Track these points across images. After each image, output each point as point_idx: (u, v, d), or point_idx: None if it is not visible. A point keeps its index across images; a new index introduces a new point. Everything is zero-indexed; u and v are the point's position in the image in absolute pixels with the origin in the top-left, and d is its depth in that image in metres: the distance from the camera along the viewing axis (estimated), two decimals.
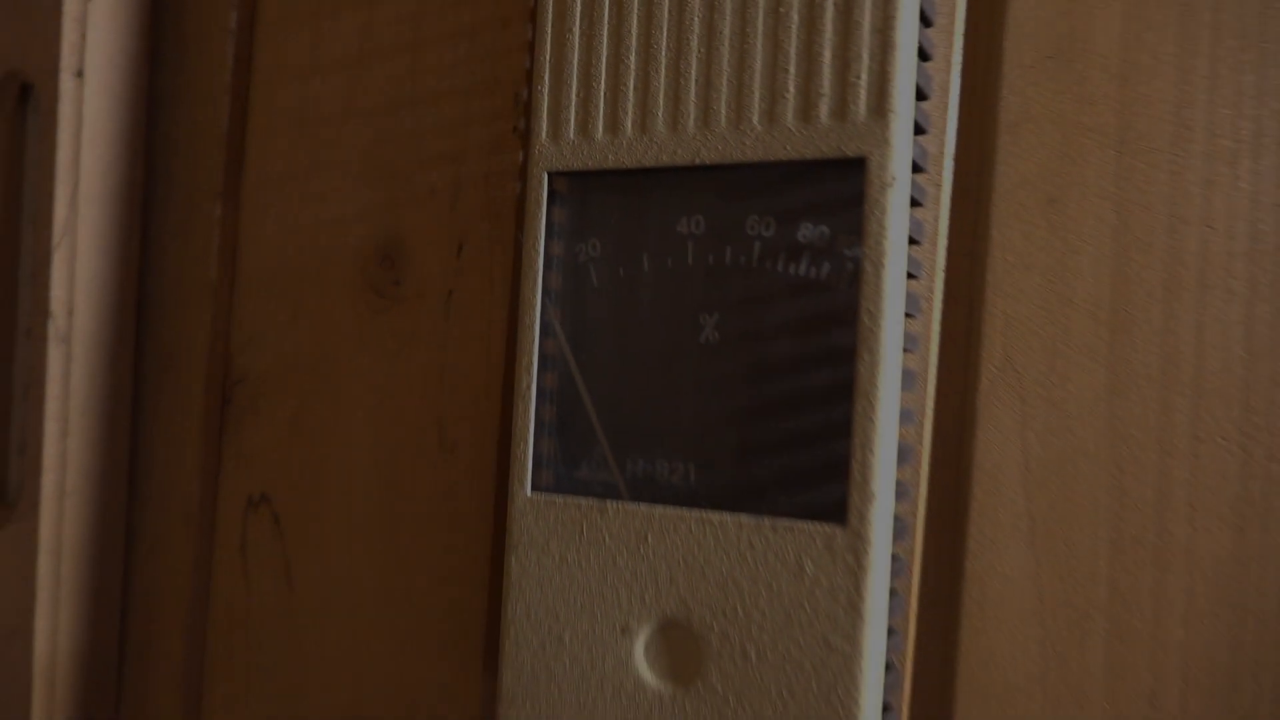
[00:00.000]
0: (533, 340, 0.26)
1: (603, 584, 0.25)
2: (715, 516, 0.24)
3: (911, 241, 0.24)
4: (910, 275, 0.24)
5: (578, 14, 0.26)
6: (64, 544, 0.35)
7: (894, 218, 0.22)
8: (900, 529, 0.24)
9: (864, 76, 0.22)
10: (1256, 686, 0.22)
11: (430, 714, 0.31)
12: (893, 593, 0.24)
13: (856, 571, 0.22)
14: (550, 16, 0.26)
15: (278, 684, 0.34)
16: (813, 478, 0.23)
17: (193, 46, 0.37)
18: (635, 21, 0.25)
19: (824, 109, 0.23)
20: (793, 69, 0.23)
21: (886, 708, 0.24)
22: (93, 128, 0.35)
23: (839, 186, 0.23)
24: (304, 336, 0.34)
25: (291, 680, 0.34)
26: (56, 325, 0.35)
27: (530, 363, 0.26)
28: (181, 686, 0.36)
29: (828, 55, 0.23)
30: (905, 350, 0.24)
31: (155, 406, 0.37)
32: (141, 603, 0.37)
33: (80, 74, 0.35)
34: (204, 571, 0.36)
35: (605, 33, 0.25)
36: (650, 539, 0.24)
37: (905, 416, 0.24)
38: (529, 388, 0.26)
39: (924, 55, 0.24)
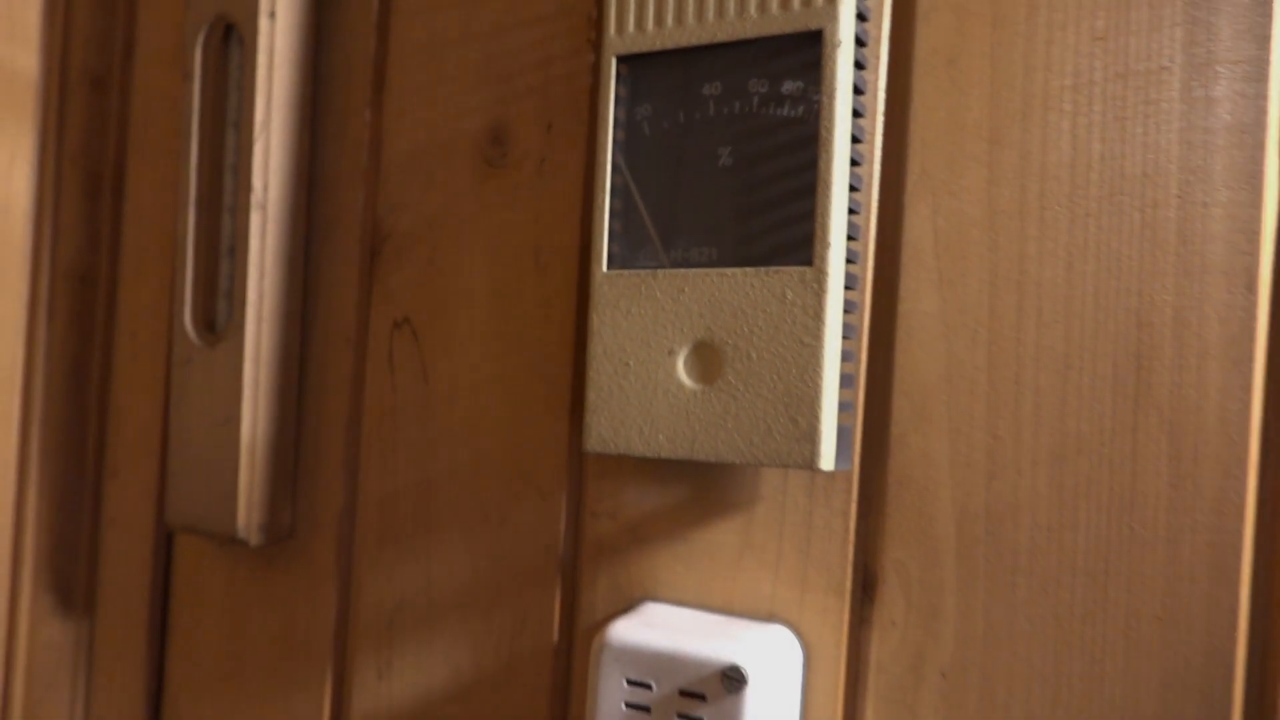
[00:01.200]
0: (605, 173, 0.39)
1: (655, 323, 0.37)
2: (728, 271, 0.36)
3: (857, 91, 0.36)
4: (856, 113, 0.36)
5: None
6: (261, 359, 0.48)
7: (841, 68, 0.34)
8: (853, 280, 0.36)
9: None
10: (1083, 366, 0.34)
11: (531, 459, 0.44)
12: (848, 324, 0.36)
13: (819, 293, 0.34)
14: None
15: (415, 452, 0.47)
16: (792, 240, 0.35)
17: None
18: None
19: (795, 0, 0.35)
20: None
21: (844, 407, 0.36)
22: (281, 55, 0.48)
23: (808, 53, 0.35)
24: (435, 200, 0.47)
25: (427, 451, 0.46)
26: (255, 197, 0.48)
27: (604, 185, 0.39)
28: (344, 462, 0.49)
29: None
30: (854, 164, 0.36)
31: (322, 258, 0.50)
32: (314, 400, 0.50)
33: (273, 15, 0.48)
34: (360, 378, 0.49)
35: None
36: (686, 290, 0.37)
37: (855, 205, 0.36)
38: (603, 204, 0.39)
39: None
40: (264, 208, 0.48)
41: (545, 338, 0.44)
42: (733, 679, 0.35)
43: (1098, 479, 0.33)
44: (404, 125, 0.48)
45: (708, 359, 0.37)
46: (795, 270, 0.35)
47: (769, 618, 0.39)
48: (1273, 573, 0.31)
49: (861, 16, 0.36)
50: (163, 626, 0.55)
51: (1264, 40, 0.32)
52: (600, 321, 0.39)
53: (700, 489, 0.40)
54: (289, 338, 0.49)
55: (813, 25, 0.35)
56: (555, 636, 0.43)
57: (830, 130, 0.34)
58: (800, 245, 0.35)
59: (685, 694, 0.36)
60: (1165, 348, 0.33)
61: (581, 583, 0.42)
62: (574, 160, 0.44)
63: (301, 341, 0.50)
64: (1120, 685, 0.33)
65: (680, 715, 0.36)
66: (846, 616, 0.37)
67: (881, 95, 0.37)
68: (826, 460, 0.34)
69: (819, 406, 0.34)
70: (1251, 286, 0.32)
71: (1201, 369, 0.32)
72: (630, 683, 0.37)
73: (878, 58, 0.37)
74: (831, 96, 0.34)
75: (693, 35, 0.37)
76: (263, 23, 0.48)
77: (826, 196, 0.34)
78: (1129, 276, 0.33)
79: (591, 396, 0.38)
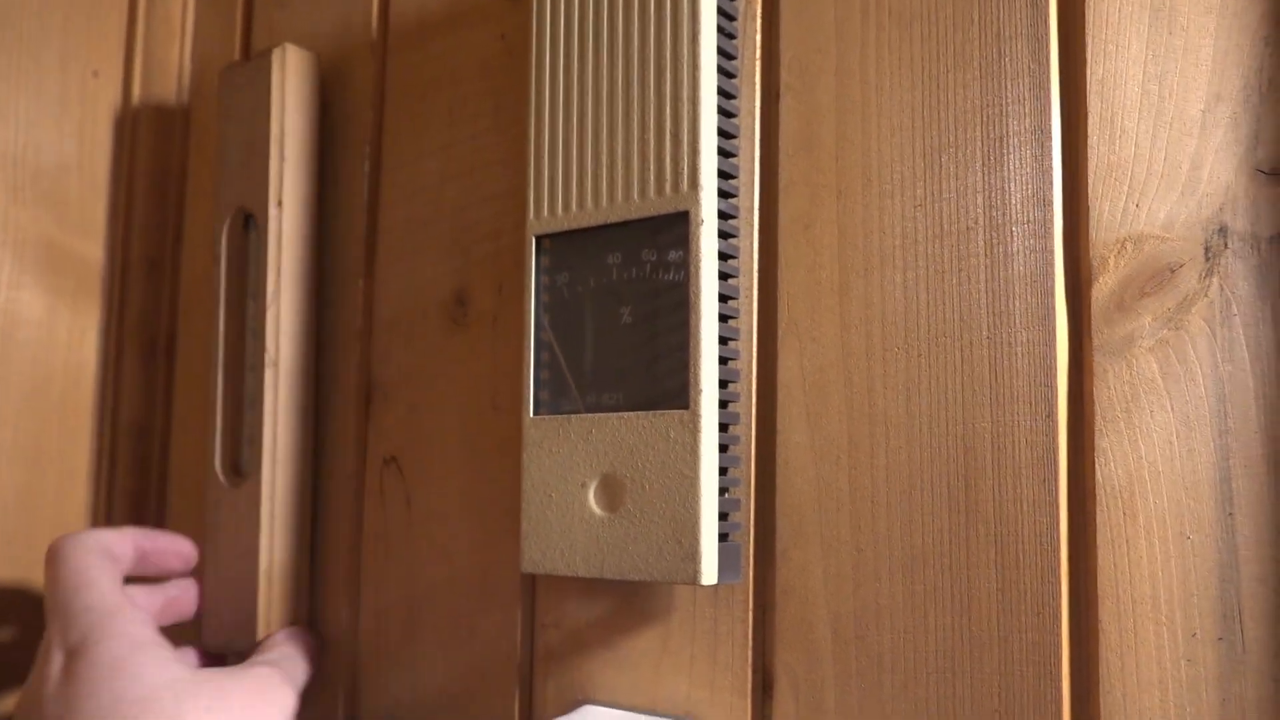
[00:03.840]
0: (531, 334, 0.46)
1: (571, 460, 0.44)
2: (627, 415, 0.42)
3: (727, 257, 0.43)
4: (728, 275, 0.43)
5: (545, 158, 0.46)
6: (276, 498, 0.56)
7: (705, 240, 0.41)
8: (733, 418, 0.42)
9: (685, 169, 0.42)
10: (924, 486, 0.39)
11: (494, 577, 0.50)
12: (733, 456, 0.42)
13: (695, 432, 0.40)
14: (531, 163, 0.47)
15: (402, 571, 0.54)
16: (674, 387, 0.41)
17: (344, 183, 0.59)
18: (575, 156, 0.45)
19: (667, 187, 0.42)
20: (653, 168, 0.43)
21: (724, 516, 0.42)
22: (288, 236, 0.57)
23: (682, 229, 0.42)
24: (414, 354, 0.55)
25: (411, 568, 0.53)
26: (269, 356, 0.57)
27: (530, 345, 0.46)
28: (346, 582, 0.56)
29: (668, 158, 0.42)
30: (728, 319, 0.42)
31: (330, 405, 0.58)
32: (327, 529, 0.58)
33: (280, 204, 0.57)
34: (359, 508, 0.56)
35: (560, 162, 0.46)
36: (594, 431, 0.43)
37: (732, 354, 0.42)
38: (530, 362, 0.46)
39: (726, 152, 0.43)
40: (276, 365, 0.56)
41: (502, 471, 0.51)
42: None
43: (942, 585, 0.38)
44: (390, 291, 0.56)
45: (613, 490, 0.43)
46: (675, 413, 0.41)
47: (685, 716, 0.44)
48: (1088, 669, 0.35)
49: (727, 194, 0.43)
50: None
51: (1046, 203, 0.37)
52: (529, 459, 0.45)
53: (626, 601, 0.46)
54: (301, 477, 0.57)
55: (681, 207, 0.42)
56: None
57: (697, 294, 0.41)
58: (679, 391, 0.41)
59: None
60: (987, 469, 0.38)
61: (535, 687, 0.48)
62: (519, 317, 0.51)
63: (315, 481, 0.58)
64: None
65: None
66: (749, 714, 0.42)
67: (755, 257, 0.44)
68: (708, 576, 0.40)
69: (698, 529, 0.40)
70: (1051, 415, 0.36)
71: (1017, 487, 0.37)
72: None
73: (751, 225, 0.44)
74: (697, 265, 0.41)
75: (594, 217, 0.44)
76: (272, 210, 0.57)
77: (697, 349, 0.41)
78: (955, 407, 0.38)
79: (525, 525, 0.45)
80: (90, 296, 0.64)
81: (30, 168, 0.62)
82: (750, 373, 0.43)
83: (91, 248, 0.64)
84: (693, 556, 0.40)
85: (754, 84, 0.45)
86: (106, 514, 0.64)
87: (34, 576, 0.61)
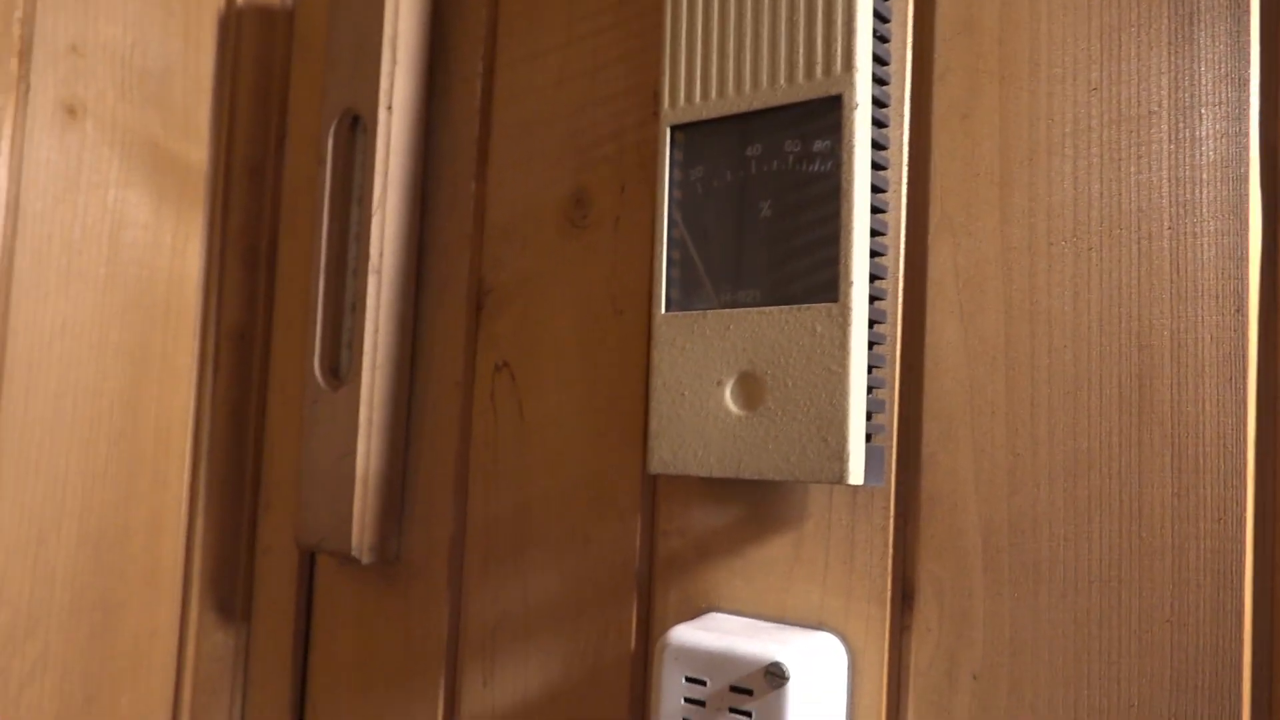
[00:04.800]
0: (663, 231, 0.44)
1: (706, 358, 0.42)
2: (768, 310, 0.41)
3: (879, 146, 0.40)
4: (879, 166, 0.40)
5: (683, 43, 0.44)
6: (374, 402, 0.55)
7: (859, 127, 0.39)
8: (881, 315, 0.40)
9: (839, 51, 0.40)
10: (1091, 387, 0.37)
11: (610, 484, 0.49)
12: (878, 355, 0.40)
13: (844, 326, 0.39)
14: (667, 49, 0.45)
15: (513, 479, 0.53)
16: (821, 281, 0.40)
17: (456, 86, 0.58)
18: (715, 37, 0.43)
19: (818, 70, 0.40)
20: (802, 50, 0.41)
21: (869, 416, 0.40)
22: (396, 141, 0.56)
23: (833, 116, 0.40)
24: (528, 258, 0.53)
25: (522, 476, 0.52)
26: (373, 263, 0.55)
27: (662, 242, 0.44)
28: (454, 490, 0.55)
29: (820, 39, 0.40)
30: (878, 211, 0.40)
31: (436, 312, 0.57)
32: (427, 436, 0.57)
33: (390, 108, 0.56)
34: (467, 415, 0.55)
35: (700, 46, 0.44)
36: (732, 327, 0.42)
37: (880, 248, 0.40)
38: (662, 259, 0.44)
39: (881, 37, 0.41)
40: (379, 272, 0.55)
41: (623, 375, 0.49)
42: (775, 675, 0.39)
43: (1108, 491, 0.36)
44: (503, 195, 0.55)
45: (751, 388, 0.41)
46: (823, 307, 0.39)
47: (818, 625, 0.42)
48: (1274, 576, 0.33)
49: (881, 80, 0.41)
50: (306, 639, 0.62)
51: (1243, 83, 0.35)
52: (659, 357, 0.44)
53: (756, 508, 0.44)
54: (398, 383, 0.56)
55: (833, 91, 0.40)
56: (633, 645, 0.48)
57: (850, 182, 0.39)
58: (828, 285, 0.39)
59: (735, 690, 0.40)
60: (1165, 368, 0.35)
61: (655, 596, 0.47)
62: (645, 217, 0.49)
63: (411, 386, 0.57)
64: (1135, 685, 0.35)
65: (731, 709, 0.40)
66: (888, 624, 0.41)
67: (906, 148, 0.42)
68: (855, 476, 0.38)
69: (846, 427, 0.38)
70: (1241, 309, 0.34)
71: (1198, 386, 0.35)
72: (688, 680, 0.41)
73: (901, 116, 0.42)
74: (851, 152, 0.39)
75: (735, 105, 0.42)
76: (381, 114, 0.56)
77: (849, 240, 0.39)
78: (1129, 303, 0.36)
79: (653, 424, 0.44)
80: (194, 201, 0.63)
81: (137, 68, 0.61)
82: (897, 269, 0.41)
83: (195, 151, 0.64)
84: (839, 455, 0.38)
85: None
86: (211, 420, 0.64)
87: (140, 472, 0.61)
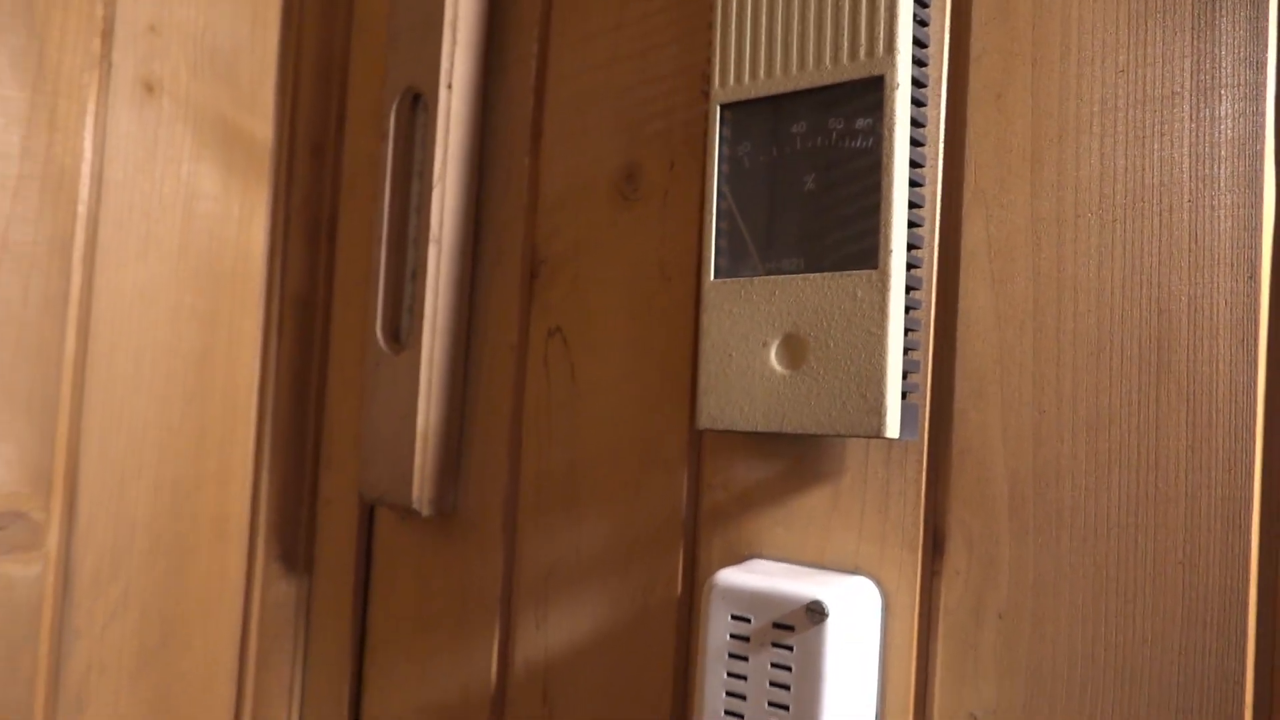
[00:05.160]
0: (713, 200, 0.47)
1: (752, 321, 0.45)
2: (812, 276, 0.44)
3: (917, 124, 0.43)
4: (917, 142, 0.43)
5: (734, 26, 0.47)
6: (434, 365, 0.59)
7: (900, 106, 0.42)
8: (917, 282, 0.43)
9: (881, 34, 0.42)
10: (1113, 349, 0.40)
11: (658, 441, 0.52)
12: (914, 319, 0.43)
13: (884, 291, 0.42)
14: (718, 32, 0.48)
15: (565, 437, 0.56)
16: (862, 250, 0.43)
17: (512, 65, 0.61)
18: (765, 21, 0.46)
19: (861, 52, 0.43)
20: (846, 33, 0.43)
21: (905, 375, 0.43)
22: (456, 118, 0.59)
23: (874, 95, 0.43)
24: (581, 229, 0.57)
25: (575, 436, 0.56)
26: (433, 234, 0.59)
27: (712, 213, 0.47)
28: (508, 446, 0.59)
29: (864, 23, 0.43)
30: (916, 185, 0.43)
31: (492, 280, 0.61)
32: (483, 397, 0.60)
33: (450, 86, 0.59)
34: (521, 377, 0.59)
35: (750, 29, 0.46)
36: (777, 293, 0.45)
37: (918, 219, 0.43)
38: (711, 226, 0.47)
39: (920, 21, 0.44)
40: (439, 242, 0.59)
41: (670, 339, 0.52)
42: (815, 612, 0.42)
43: (1127, 445, 0.39)
44: (556, 169, 0.58)
45: (794, 349, 0.44)
46: (864, 274, 0.42)
47: (854, 570, 0.46)
48: (1277, 521, 0.36)
49: (920, 62, 0.44)
50: (365, 587, 0.66)
51: (1260, 66, 0.37)
52: (709, 321, 0.47)
53: (796, 462, 0.48)
54: (456, 347, 0.60)
55: (875, 72, 0.43)
56: (679, 590, 0.51)
57: (890, 157, 0.42)
58: (868, 253, 0.43)
59: (778, 626, 0.43)
60: (1182, 331, 0.38)
61: (700, 544, 0.51)
62: (692, 191, 0.52)
63: (467, 350, 0.61)
64: (1150, 621, 0.38)
65: (774, 644, 0.43)
66: (919, 568, 0.44)
67: (942, 126, 0.45)
68: (892, 429, 0.41)
69: (884, 384, 0.41)
70: (1254, 276, 0.37)
71: (1213, 348, 0.38)
72: (734, 617, 0.44)
73: (939, 95, 0.45)
74: (892, 129, 0.42)
75: (781, 85, 0.45)
76: (442, 93, 0.59)
77: (889, 211, 0.42)
78: (1150, 271, 0.39)
79: (702, 382, 0.47)
80: (260, 175, 0.67)
81: (209, 47, 0.64)
82: (933, 239, 0.44)
83: (261, 127, 0.67)
84: (877, 410, 0.41)
85: None
86: (275, 382, 0.68)
87: (211, 428, 0.65)
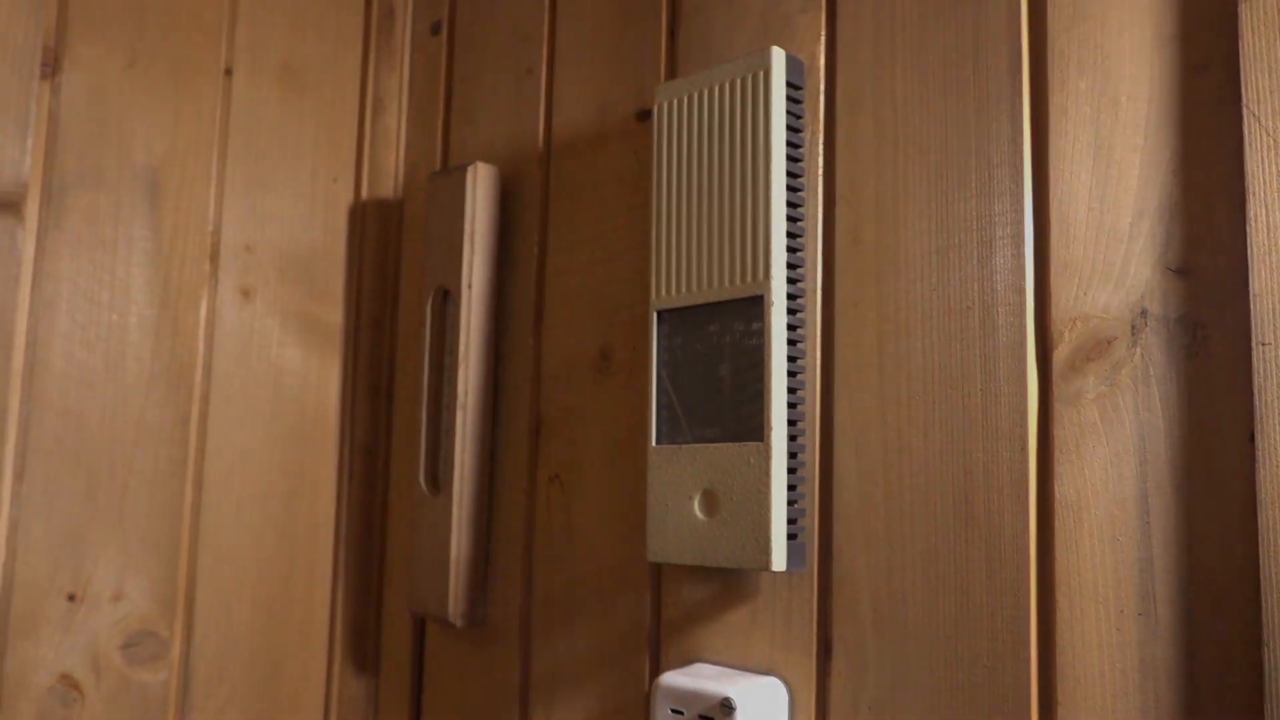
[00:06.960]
0: (653, 384, 0.62)
1: (681, 478, 0.59)
2: (722, 445, 0.58)
3: (794, 327, 0.57)
4: (794, 341, 0.57)
5: (664, 255, 0.62)
6: (463, 505, 0.74)
7: (775, 316, 0.56)
8: (799, 448, 0.57)
9: (761, 263, 0.57)
10: (938, 502, 0.52)
11: (631, 567, 0.66)
12: (799, 476, 0.57)
13: (768, 458, 0.55)
14: (653, 259, 0.63)
15: (564, 564, 0.70)
16: (754, 425, 0.56)
17: (518, 265, 0.77)
18: (686, 251, 0.61)
19: (749, 276, 0.57)
20: (739, 261, 0.58)
21: (793, 521, 0.56)
22: (475, 307, 0.76)
23: (759, 308, 0.57)
24: (571, 395, 0.72)
25: (570, 561, 0.70)
26: (459, 400, 0.75)
27: (653, 392, 0.62)
28: (521, 571, 0.73)
29: (750, 255, 0.57)
30: (795, 374, 0.57)
31: (506, 436, 0.76)
32: (504, 531, 0.75)
33: (470, 285, 0.76)
34: (530, 514, 0.74)
35: (675, 256, 0.61)
36: (699, 457, 0.59)
37: (798, 400, 0.57)
38: (653, 405, 0.62)
39: (793, 249, 0.58)
40: (465, 407, 0.75)
41: (638, 487, 0.67)
42: (727, 706, 0.55)
43: (947, 574, 0.52)
44: (553, 347, 0.74)
45: (711, 501, 0.58)
46: (754, 445, 0.56)
47: (768, 671, 0.58)
48: (1049, 635, 0.48)
49: (794, 280, 0.58)
50: (419, 686, 0.81)
51: (1021, 291, 0.50)
52: (652, 478, 0.61)
53: (724, 587, 0.61)
54: (480, 490, 0.75)
55: (758, 292, 0.57)
56: (646, 685, 0.64)
57: (769, 355, 0.56)
58: (757, 428, 0.56)
59: (702, 717, 0.56)
60: (979, 488, 0.51)
61: (661, 649, 0.64)
62: (648, 369, 0.67)
63: (490, 492, 0.76)
64: (968, 711, 0.50)
65: None
66: (814, 671, 0.56)
67: (819, 327, 0.58)
68: (778, 564, 0.55)
69: (769, 529, 0.55)
70: (1024, 448, 0.49)
71: (1000, 501, 0.50)
72: (673, 710, 0.58)
73: (815, 302, 0.59)
74: (769, 335, 0.56)
75: (699, 297, 0.60)
76: (464, 290, 0.75)
77: (769, 396, 0.56)
78: (958, 441, 0.52)
79: (649, 525, 0.61)
80: (332, 350, 0.85)
81: (291, 256, 0.83)
82: (815, 415, 0.58)
83: (332, 313, 0.85)
84: (765, 549, 0.55)
85: (817, 195, 0.59)
86: (347, 513, 0.84)
87: (297, 556, 0.81)
